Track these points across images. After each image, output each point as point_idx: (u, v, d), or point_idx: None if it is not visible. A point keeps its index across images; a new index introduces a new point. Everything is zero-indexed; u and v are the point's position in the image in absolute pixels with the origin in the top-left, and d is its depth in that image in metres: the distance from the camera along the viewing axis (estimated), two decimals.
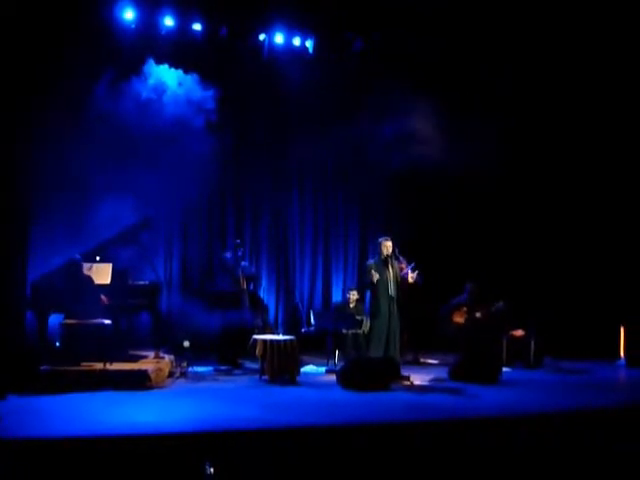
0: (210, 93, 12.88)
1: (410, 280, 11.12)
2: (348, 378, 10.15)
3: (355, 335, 12.06)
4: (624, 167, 14.30)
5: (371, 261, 11.43)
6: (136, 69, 12.81)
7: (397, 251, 11.25)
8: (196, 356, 11.87)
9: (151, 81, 12.85)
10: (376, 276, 10.97)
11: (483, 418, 8.39)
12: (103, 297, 10.75)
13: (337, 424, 7.88)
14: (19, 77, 11.52)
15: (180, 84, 12.93)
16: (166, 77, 13.08)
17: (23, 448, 6.72)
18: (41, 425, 7.50)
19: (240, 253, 12.73)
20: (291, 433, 7.47)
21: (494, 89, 13.89)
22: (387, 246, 11.20)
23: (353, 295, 12.83)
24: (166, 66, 13.00)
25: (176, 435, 7.14)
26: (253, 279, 13.45)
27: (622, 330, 13.69)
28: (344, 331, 12.02)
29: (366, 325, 11.91)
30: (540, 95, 14.33)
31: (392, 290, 11.03)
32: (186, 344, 11.52)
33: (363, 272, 11.41)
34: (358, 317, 12.20)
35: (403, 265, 11.20)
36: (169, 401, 9.00)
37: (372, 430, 7.75)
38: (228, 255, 12.72)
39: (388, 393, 9.90)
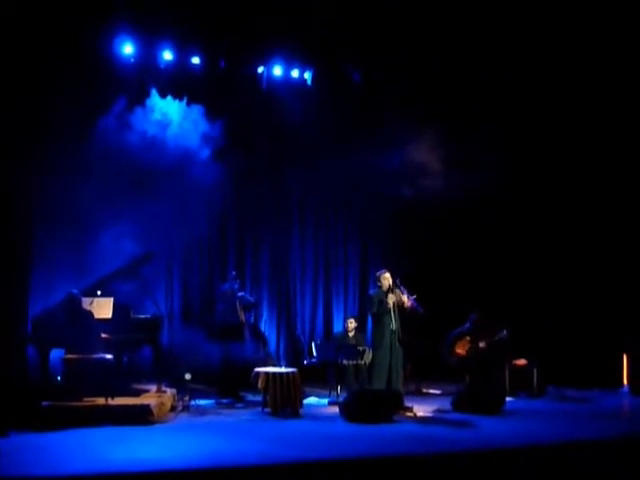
0: (210, 126, 12.94)
1: (408, 304, 11.12)
2: (351, 411, 10.10)
3: (356, 366, 12.02)
4: (625, 194, 14.28)
5: (374, 292, 11.41)
6: (136, 102, 12.90)
7: (398, 281, 11.24)
8: (198, 389, 11.85)
9: (153, 114, 12.95)
10: (391, 300, 10.95)
11: (487, 451, 8.34)
12: (103, 335, 10.71)
13: (341, 458, 7.84)
14: (20, 110, 11.60)
15: (182, 117, 13.00)
16: (168, 110, 13.18)
17: None
18: (44, 463, 7.45)
19: (237, 285, 12.72)
20: (296, 468, 7.43)
21: (495, 119, 13.94)
22: (386, 278, 11.19)
23: (351, 323, 12.81)
24: (168, 99, 13.09)
25: (180, 472, 7.10)
26: (252, 308, 13.44)
27: (625, 358, 13.66)
28: (345, 362, 11.97)
29: (368, 356, 11.89)
30: (541, 123, 14.39)
31: (394, 323, 11.00)
32: (187, 377, 11.46)
33: (369, 303, 11.33)
34: (360, 348, 12.15)
35: (405, 296, 11.19)
36: (172, 436, 8.94)
37: (377, 464, 7.71)
38: (226, 286, 12.71)
39: (391, 425, 9.86)
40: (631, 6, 12.91)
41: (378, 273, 11.43)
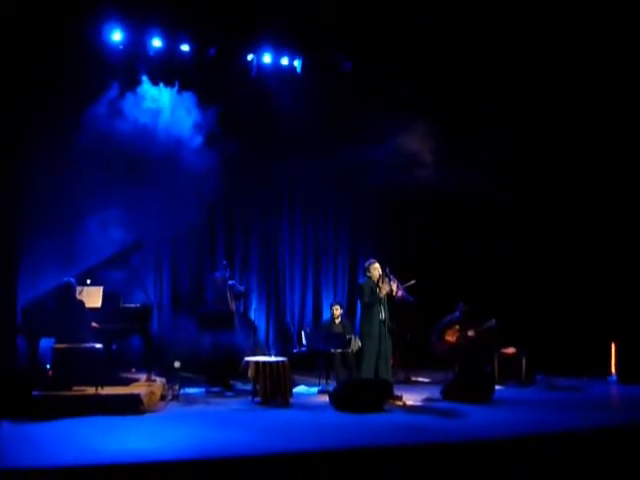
0: (199, 114, 12.91)
1: (399, 294, 11.13)
2: (341, 400, 10.11)
3: (343, 354, 12.04)
4: (612, 187, 14.34)
5: (363, 281, 11.40)
6: (125, 89, 12.87)
7: (388, 270, 11.24)
8: (187, 377, 11.86)
9: (142, 102, 12.91)
10: (383, 290, 10.97)
11: (478, 440, 8.36)
12: (94, 323, 10.70)
13: (333, 448, 7.83)
14: (7, 98, 11.53)
15: (171, 105, 12.96)
16: (157, 98, 13.14)
17: (18, 478, 6.66)
18: (34, 454, 7.41)
19: (228, 274, 12.73)
20: (287, 459, 7.43)
21: (487, 109, 13.93)
22: (376, 268, 11.18)
23: (337, 310, 12.83)
24: (157, 86, 13.06)
25: (171, 463, 7.09)
26: (242, 297, 13.44)
27: (613, 346, 13.72)
28: (332, 350, 11.98)
29: (354, 344, 11.91)
30: (534, 116, 14.44)
31: (384, 312, 11.01)
32: (177, 365, 11.48)
33: (360, 292, 11.31)
34: (347, 336, 12.17)
35: (394, 284, 11.19)
36: (163, 426, 8.91)
37: (368, 454, 7.71)
38: (217, 275, 12.71)
39: (381, 414, 9.87)
40: (630, 11, 12.93)
41: (367, 263, 11.42)
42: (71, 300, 10.67)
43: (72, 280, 10.90)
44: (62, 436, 8.27)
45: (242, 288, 13.40)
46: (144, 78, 13.14)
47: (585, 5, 13.25)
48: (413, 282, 11.30)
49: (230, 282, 12.71)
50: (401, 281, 11.30)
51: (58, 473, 6.76)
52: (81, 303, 10.73)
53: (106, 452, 7.42)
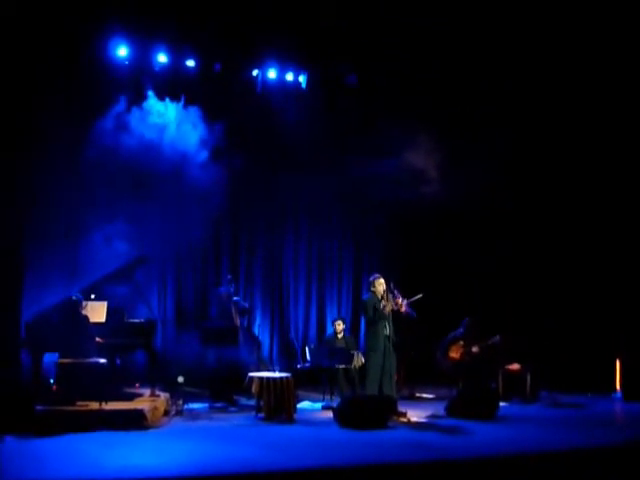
0: (204, 130, 12.95)
1: (403, 309, 11.12)
2: (345, 416, 10.08)
3: (346, 370, 12.00)
4: (616, 199, 14.32)
5: (367, 297, 11.38)
6: (130, 105, 12.90)
7: (392, 285, 11.23)
8: (191, 392, 11.85)
9: (148, 117, 12.94)
10: (388, 306, 10.96)
11: (482, 459, 8.33)
12: (98, 338, 10.70)
13: (337, 466, 7.81)
14: (15, 112, 11.60)
15: (176, 120, 13.01)
16: (163, 113, 13.17)
17: None
18: (38, 469, 7.41)
19: (232, 289, 12.73)
20: (290, 476, 7.42)
21: (491, 125, 13.94)
22: (381, 283, 11.16)
23: (339, 325, 12.77)
24: (163, 102, 13.10)
25: (175, 479, 7.08)
26: (246, 313, 13.44)
27: (618, 363, 13.69)
28: (336, 366, 11.96)
29: (357, 360, 11.87)
30: (534, 116, 14.42)
31: (388, 328, 11.00)
32: (180, 380, 11.48)
33: (364, 308, 11.31)
34: (351, 352, 12.15)
35: (399, 300, 11.18)
36: (166, 442, 8.90)
37: (372, 472, 7.69)
38: (221, 290, 12.72)
39: (385, 431, 9.85)
40: (630, 11, 12.94)
41: (372, 278, 11.40)
42: (76, 315, 10.67)
43: (78, 295, 10.91)
44: (65, 451, 8.28)
45: (246, 304, 13.42)
46: (150, 93, 13.16)
47: (585, 5, 13.25)
48: (420, 296, 11.28)
49: (235, 298, 12.71)
50: (406, 296, 11.28)
51: None
52: (86, 318, 10.73)
53: (109, 468, 7.42)
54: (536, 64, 14.01)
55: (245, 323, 13.62)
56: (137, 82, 13.28)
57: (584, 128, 14.27)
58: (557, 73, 14.07)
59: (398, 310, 11.10)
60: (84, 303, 10.98)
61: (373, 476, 7.66)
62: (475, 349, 12.78)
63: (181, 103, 13.27)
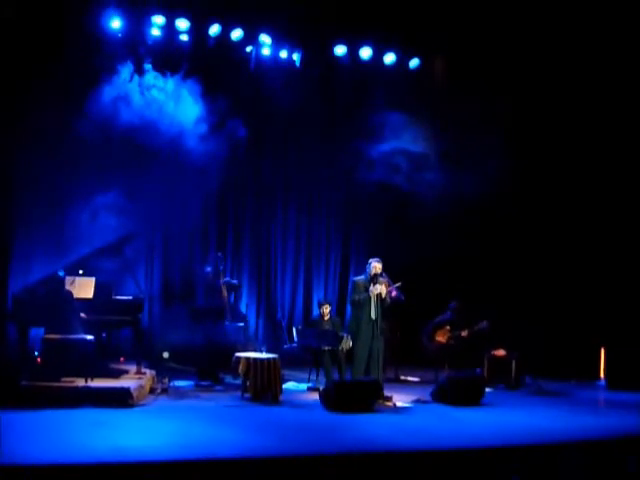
0: (195, 108, 12.85)
1: (392, 294, 11.10)
2: (331, 400, 10.06)
3: (333, 352, 11.96)
4: (602, 191, 14.34)
5: (361, 277, 11.36)
6: (122, 78, 12.78)
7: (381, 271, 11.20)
8: (177, 369, 11.83)
9: (138, 92, 12.82)
10: (383, 289, 10.93)
11: (466, 444, 8.33)
12: (83, 315, 10.62)
13: (324, 452, 7.80)
14: (7, 84, 11.48)
15: (167, 98, 12.90)
16: (152, 87, 13.05)
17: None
18: (20, 450, 7.18)
19: (222, 266, 12.68)
20: (278, 461, 7.39)
21: (488, 106, 13.87)
22: (376, 267, 11.11)
23: (326, 308, 12.69)
24: (154, 75, 12.99)
25: (161, 464, 7.02)
26: (235, 290, 13.39)
27: (603, 351, 13.74)
28: (323, 347, 11.94)
29: (346, 343, 11.83)
30: (534, 116, 14.40)
31: (375, 312, 10.97)
32: (165, 355, 11.47)
33: (353, 289, 11.29)
34: (340, 334, 12.12)
35: (387, 284, 11.15)
36: (152, 422, 8.85)
37: (357, 459, 7.68)
38: (208, 269, 12.63)
39: (371, 415, 9.85)
40: (630, 11, 12.91)
41: (371, 260, 11.31)
42: (59, 293, 10.58)
43: (61, 273, 10.82)
44: (49, 429, 8.16)
45: (235, 281, 13.37)
46: (141, 65, 13.06)
47: (584, 5, 13.22)
48: (399, 284, 11.25)
49: (225, 279, 12.66)
50: (392, 281, 11.26)
51: (42, 471, 6.64)
52: (69, 294, 10.63)
53: (94, 449, 7.30)
54: (536, 64, 14.00)
55: (232, 299, 13.57)
56: (129, 55, 13.12)
57: (584, 128, 14.27)
58: (557, 73, 14.07)
59: (386, 294, 11.06)
60: (71, 278, 10.90)
61: (359, 462, 7.62)
62: (464, 333, 12.78)
63: (176, 77, 13.14)
